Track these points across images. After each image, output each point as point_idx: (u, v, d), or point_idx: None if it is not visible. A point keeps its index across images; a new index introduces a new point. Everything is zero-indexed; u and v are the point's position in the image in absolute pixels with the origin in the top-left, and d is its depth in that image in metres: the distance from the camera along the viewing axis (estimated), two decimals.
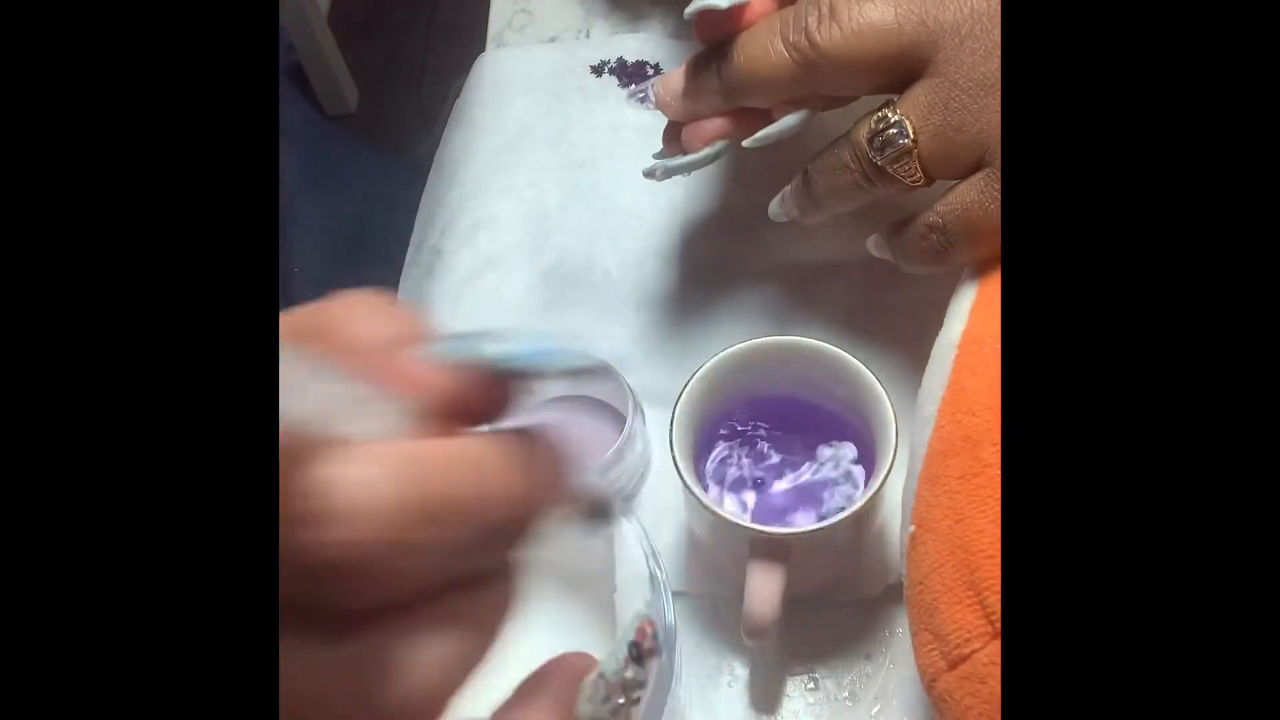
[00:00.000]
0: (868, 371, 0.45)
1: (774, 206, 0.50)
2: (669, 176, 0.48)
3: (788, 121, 0.45)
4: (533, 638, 0.41)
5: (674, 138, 0.48)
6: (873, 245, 0.48)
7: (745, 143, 0.45)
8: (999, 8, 0.41)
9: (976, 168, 0.42)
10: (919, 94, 0.42)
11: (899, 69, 0.42)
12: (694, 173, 0.60)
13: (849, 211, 0.47)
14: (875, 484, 0.43)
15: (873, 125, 0.43)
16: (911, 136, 0.42)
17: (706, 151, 0.46)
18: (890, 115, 0.42)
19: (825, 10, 0.42)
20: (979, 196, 0.41)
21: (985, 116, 0.41)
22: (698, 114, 0.46)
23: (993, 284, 0.42)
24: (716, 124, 0.46)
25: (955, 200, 0.42)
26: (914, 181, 0.43)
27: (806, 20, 0.43)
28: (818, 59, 0.42)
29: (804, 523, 0.47)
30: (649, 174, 0.48)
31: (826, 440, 0.49)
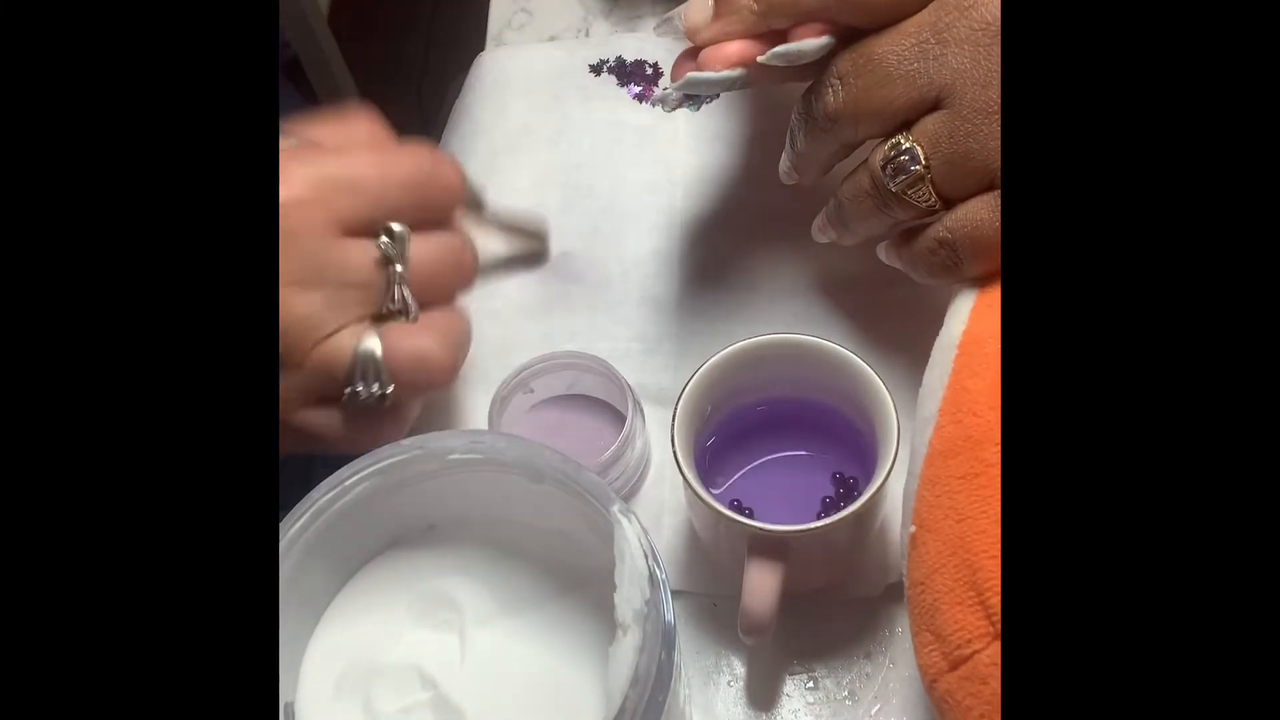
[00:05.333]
0: (869, 369, 0.45)
1: (815, 231, 0.51)
2: (681, 104, 0.48)
3: (810, 44, 0.44)
4: (533, 638, 0.41)
5: (686, 69, 0.47)
6: (883, 253, 0.48)
7: (761, 58, 0.44)
8: (998, 34, 0.41)
9: (988, 190, 0.42)
10: (929, 123, 0.43)
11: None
12: (692, 174, 0.60)
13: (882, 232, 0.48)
14: (876, 483, 0.43)
15: (887, 152, 0.44)
16: (924, 162, 0.42)
17: (727, 74, 0.45)
18: (903, 142, 0.43)
19: None
20: (990, 215, 0.42)
21: (993, 142, 0.41)
22: (729, 35, 0.46)
23: (994, 285, 0.42)
24: (739, 45, 0.45)
25: (965, 217, 0.42)
26: (928, 206, 0.43)
27: None
28: None
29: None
30: (659, 101, 0.48)
31: (826, 439, 0.49)
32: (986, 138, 0.41)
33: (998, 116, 0.41)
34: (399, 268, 0.44)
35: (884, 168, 0.44)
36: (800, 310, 0.55)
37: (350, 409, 0.44)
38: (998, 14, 0.41)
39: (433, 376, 0.45)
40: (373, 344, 0.43)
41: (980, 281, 0.43)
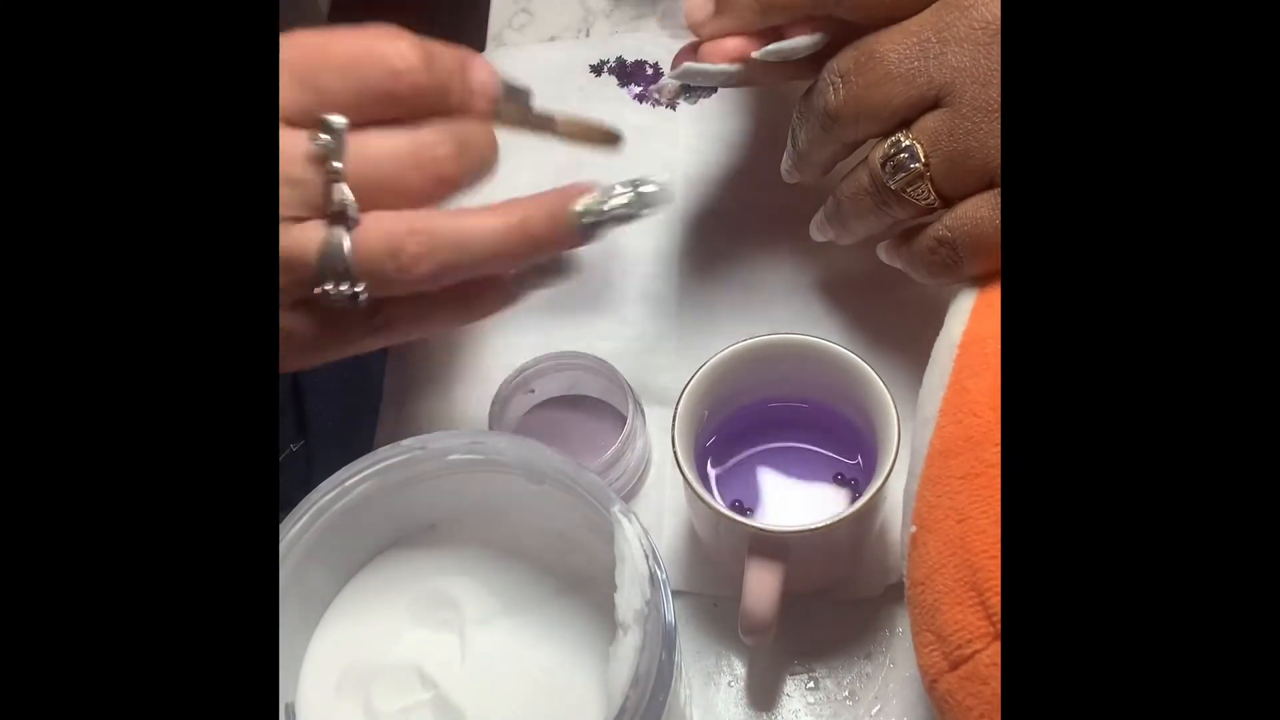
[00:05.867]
0: (870, 369, 0.45)
1: (813, 229, 0.51)
2: (677, 95, 0.47)
3: (802, 41, 0.45)
4: (533, 638, 0.41)
5: (685, 61, 0.48)
6: (882, 252, 0.48)
7: (755, 54, 0.45)
8: (998, 32, 0.41)
9: (988, 188, 0.42)
10: (928, 121, 0.43)
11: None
12: (692, 174, 0.60)
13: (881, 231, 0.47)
14: (876, 483, 0.43)
15: (886, 149, 0.44)
16: (923, 160, 0.43)
17: (723, 67, 0.46)
18: (903, 139, 0.43)
19: None
20: (990, 213, 0.42)
21: (992, 140, 0.41)
22: (729, 31, 0.46)
23: (994, 285, 0.42)
24: (737, 42, 0.46)
25: (965, 215, 0.42)
26: (927, 204, 0.43)
27: None
28: None
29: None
30: (656, 90, 0.48)
31: (826, 439, 0.49)
32: (986, 136, 0.41)
33: (998, 115, 0.41)
34: (336, 164, 0.39)
35: (883, 165, 0.44)
36: (800, 310, 0.55)
37: (329, 311, 0.40)
38: (998, 13, 0.41)
39: (407, 272, 0.40)
40: (339, 236, 0.39)
41: (980, 281, 0.43)
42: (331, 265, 0.39)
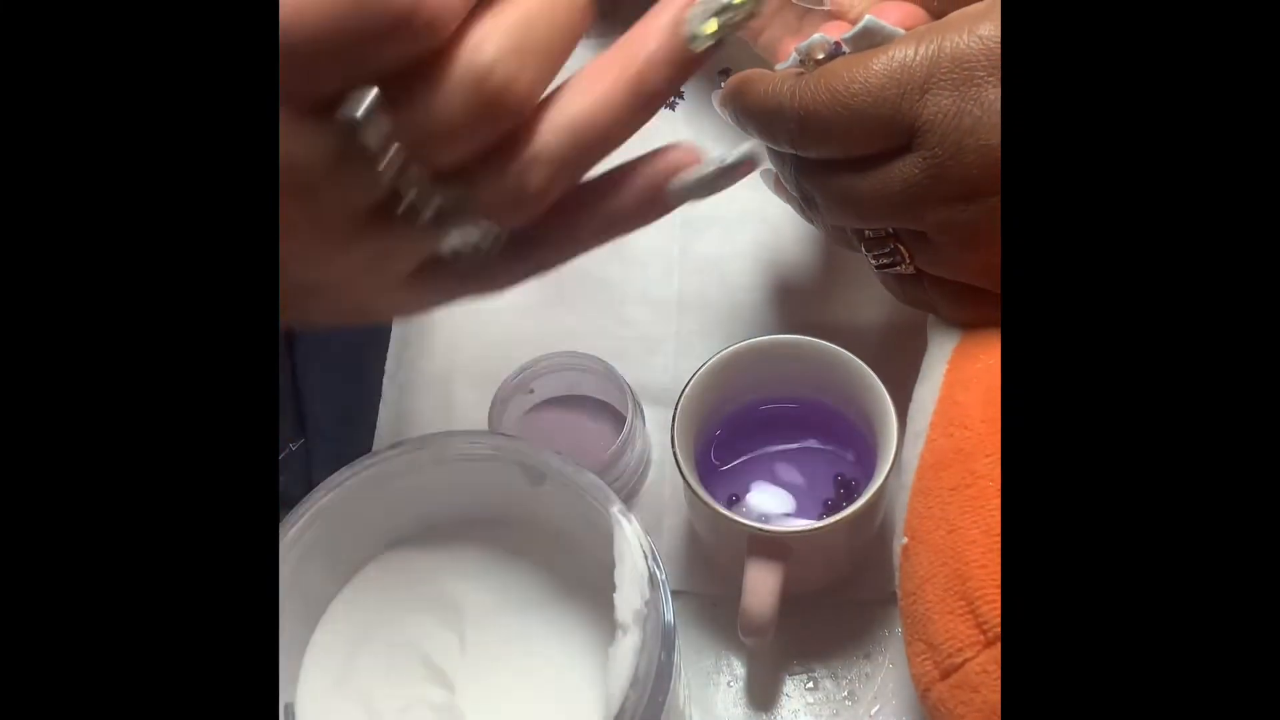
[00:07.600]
0: (869, 370, 0.45)
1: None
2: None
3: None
4: (533, 638, 0.41)
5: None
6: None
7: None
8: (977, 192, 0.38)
9: (978, 291, 0.41)
10: (912, 243, 0.41)
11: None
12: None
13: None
14: (876, 483, 0.43)
15: (868, 239, 0.42)
16: (907, 261, 0.41)
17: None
18: (888, 242, 0.41)
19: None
20: (973, 310, 0.41)
21: (975, 270, 0.40)
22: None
23: None
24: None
25: (948, 295, 0.41)
26: (906, 272, 0.42)
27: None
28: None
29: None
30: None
31: (826, 439, 0.49)
32: (971, 267, 0.40)
33: (984, 277, 0.39)
34: (384, 143, 0.29)
35: (863, 240, 0.42)
36: (800, 310, 0.55)
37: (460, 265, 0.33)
38: (985, 166, 0.37)
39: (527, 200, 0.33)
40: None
41: None
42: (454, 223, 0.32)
